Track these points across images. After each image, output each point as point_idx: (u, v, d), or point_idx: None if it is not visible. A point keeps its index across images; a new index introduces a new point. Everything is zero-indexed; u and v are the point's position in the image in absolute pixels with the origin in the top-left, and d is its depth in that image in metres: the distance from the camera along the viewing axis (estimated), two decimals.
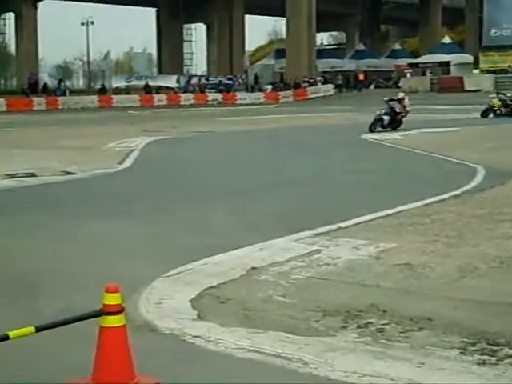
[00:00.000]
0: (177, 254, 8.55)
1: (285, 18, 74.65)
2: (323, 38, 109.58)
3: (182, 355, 5.40)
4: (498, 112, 32.53)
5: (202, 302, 6.61)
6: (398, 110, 27.51)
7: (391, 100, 27.79)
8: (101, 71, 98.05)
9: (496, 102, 32.89)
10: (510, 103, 32.76)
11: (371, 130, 26.64)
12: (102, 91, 63.80)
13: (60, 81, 72.31)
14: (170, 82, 67.60)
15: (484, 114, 32.83)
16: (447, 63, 71.42)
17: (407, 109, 27.97)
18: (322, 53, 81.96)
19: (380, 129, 26.92)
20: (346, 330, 5.84)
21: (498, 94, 34.52)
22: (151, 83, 66.31)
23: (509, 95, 33.60)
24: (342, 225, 9.91)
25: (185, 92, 63.72)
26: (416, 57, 80.00)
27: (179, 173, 17.21)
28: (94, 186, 15.31)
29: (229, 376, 5.04)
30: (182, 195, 13.69)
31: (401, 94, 28.69)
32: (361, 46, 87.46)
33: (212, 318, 6.14)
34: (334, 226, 9.80)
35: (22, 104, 52.48)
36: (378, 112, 27.48)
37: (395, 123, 27.46)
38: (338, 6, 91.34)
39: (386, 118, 27.27)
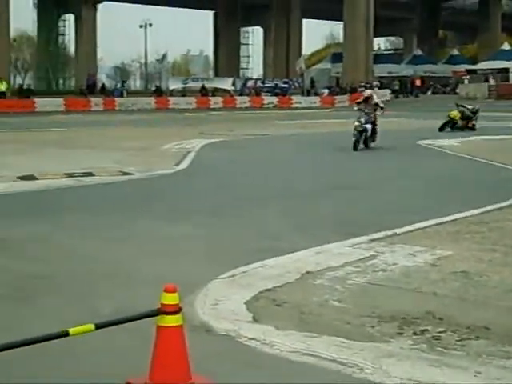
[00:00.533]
0: (232, 256, 8.60)
1: (342, 22, 74.52)
2: (380, 43, 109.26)
3: (237, 357, 5.43)
4: (457, 125, 30.15)
5: (258, 305, 6.64)
6: (378, 113, 23.23)
7: (359, 103, 23.54)
8: (157, 73, 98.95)
9: (456, 114, 30.39)
10: (470, 115, 30.44)
11: (356, 148, 22.32)
12: (158, 92, 64.40)
13: (123, 82, 73.28)
14: (226, 84, 67.91)
15: (442, 128, 30.12)
16: (506, 70, 70.56)
17: (381, 105, 23.73)
18: (379, 58, 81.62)
19: (362, 146, 22.65)
20: (401, 336, 5.82)
21: (458, 105, 31.73)
22: (207, 85, 66.69)
23: (469, 107, 31.29)
24: (398, 231, 9.86)
25: (241, 95, 63.98)
26: (474, 63, 79.19)
27: (235, 175, 17.29)
28: (151, 187, 15.44)
29: (283, 379, 5.06)
30: (237, 198, 13.75)
31: (367, 92, 24.80)
32: (418, 52, 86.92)
33: (267, 321, 6.16)
34: (389, 232, 9.75)
35: (80, 104, 53.16)
36: (357, 123, 22.66)
37: (374, 133, 23.07)
38: (396, 11, 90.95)
39: (369, 126, 22.62)
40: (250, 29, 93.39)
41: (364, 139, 22.70)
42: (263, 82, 71.27)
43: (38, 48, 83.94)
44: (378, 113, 23.21)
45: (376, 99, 23.59)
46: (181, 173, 17.70)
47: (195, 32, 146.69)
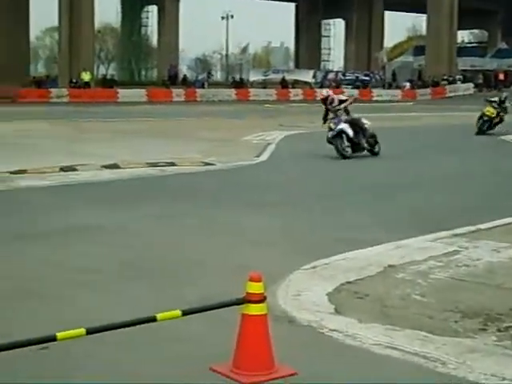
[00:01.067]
0: (313, 248, 8.62)
1: (425, 15, 73.60)
2: (464, 36, 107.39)
3: (319, 347, 5.46)
4: (491, 124, 25.93)
5: (339, 297, 6.65)
6: (342, 106, 18.95)
7: (325, 117, 19.15)
8: (238, 65, 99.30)
9: (493, 111, 26.06)
10: (499, 108, 26.30)
11: (344, 155, 18.39)
12: (236, 84, 64.75)
13: (209, 73, 73.99)
14: (307, 76, 67.87)
15: (480, 131, 25.84)
16: None
17: (344, 98, 19.68)
18: (463, 51, 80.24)
19: (347, 150, 18.51)
20: (485, 332, 5.76)
21: (489, 101, 26.81)
22: (288, 77, 66.72)
23: (496, 99, 26.83)
24: (482, 226, 9.73)
25: (321, 87, 63.75)
26: None
27: (315, 168, 17.27)
28: (231, 178, 15.57)
29: (367, 371, 5.06)
30: (316, 191, 13.74)
31: (323, 92, 20.24)
32: (503, 45, 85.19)
33: (349, 313, 6.17)
34: (473, 227, 9.64)
35: (162, 95, 53.74)
36: (330, 133, 18.61)
37: (360, 133, 18.75)
38: (481, 3, 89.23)
39: (344, 126, 18.41)
40: (331, 21, 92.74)
41: (350, 141, 18.49)
42: (344, 75, 70.94)
43: (121, 39, 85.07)
44: (343, 105, 18.95)
45: (336, 96, 19.54)
46: (261, 164, 17.79)
47: (276, 24, 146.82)
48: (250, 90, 59.72)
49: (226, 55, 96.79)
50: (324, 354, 5.34)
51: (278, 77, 67.79)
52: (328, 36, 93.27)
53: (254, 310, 4.65)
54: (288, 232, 9.88)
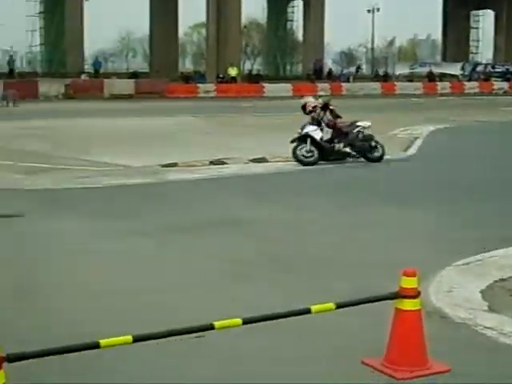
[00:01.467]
0: (465, 245, 8.47)
1: None
2: None
3: (473, 345, 5.37)
4: None
5: (493, 294, 6.52)
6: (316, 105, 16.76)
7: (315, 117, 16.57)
8: (384, 58, 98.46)
9: None
10: None
11: (304, 163, 15.90)
12: (382, 77, 64.23)
13: (358, 67, 73.97)
14: (454, 69, 66.51)
15: None
16: None
17: (319, 102, 17.10)
18: None
19: (308, 156, 15.97)
20: None
21: None
22: (434, 70, 65.63)
23: None
24: None
25: (469, 80, 62.42)
26: None
27: (465, 163, 16.93)
28: (378, 172, 15.52)
29: None
30: (467, 187, 13.48)
31: (302, 101, 17.29)
32: None
33: (503, 311, 6.05)
34: None
35: (308, 89, 53.66)
36: (300, 129, 16.34)
37: (344, 135, 16.59)
38: None
39: (312, 128, 16.17)
40: (480, 12, 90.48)
41: (318, 146, 16.10)
42: (493, 67, 69.09)
43: (267, 34, 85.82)
44: (311, 107, 16.76)
45: (314, 101, 17.09)
46: (408, 159, 17.61)
47: (423, 16, 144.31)
48: (396, 83, 59.09)
49: (372, 48, 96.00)
50: (478, 351, 5.25)
51: (424, 70, 66.76)
52: (476, 28, 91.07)
53: (408, 305, 4.64)
54: (440, 228, 9.74)
